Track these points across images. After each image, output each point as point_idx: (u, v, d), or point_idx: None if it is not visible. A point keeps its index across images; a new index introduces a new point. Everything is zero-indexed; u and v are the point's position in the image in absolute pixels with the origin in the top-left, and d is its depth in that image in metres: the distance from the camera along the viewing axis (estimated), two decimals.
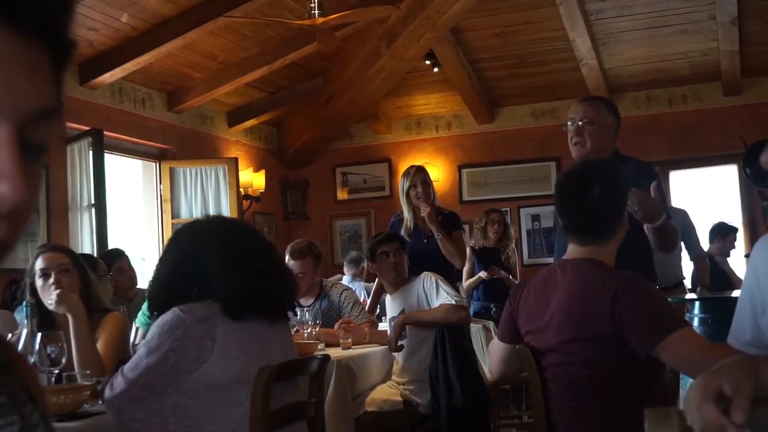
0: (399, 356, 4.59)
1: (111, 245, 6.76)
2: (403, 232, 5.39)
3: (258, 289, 2.72)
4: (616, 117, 3.72)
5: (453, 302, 4.44)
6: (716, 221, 8.06)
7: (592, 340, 2.57)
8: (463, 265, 5.84)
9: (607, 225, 2.69)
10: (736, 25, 8.06)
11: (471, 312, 7.11)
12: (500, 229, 7.49)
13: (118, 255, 5.87)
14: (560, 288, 2.68)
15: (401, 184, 5.60)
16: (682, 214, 6.45)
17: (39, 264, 3.46)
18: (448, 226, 5.46)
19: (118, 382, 2.55)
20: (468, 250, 7.00)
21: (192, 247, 2.76)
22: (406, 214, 5.50)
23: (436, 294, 4.53)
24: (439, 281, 4.58)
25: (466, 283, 7.11)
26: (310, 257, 5.03)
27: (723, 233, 7.78)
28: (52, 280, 3.36)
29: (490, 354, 3.01)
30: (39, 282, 3.41)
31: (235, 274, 2.70)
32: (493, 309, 7.15)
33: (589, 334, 2.57)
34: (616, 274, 2.61)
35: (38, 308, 3.36)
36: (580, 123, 3.57)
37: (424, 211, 5.26)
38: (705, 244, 7.61)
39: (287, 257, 5.05)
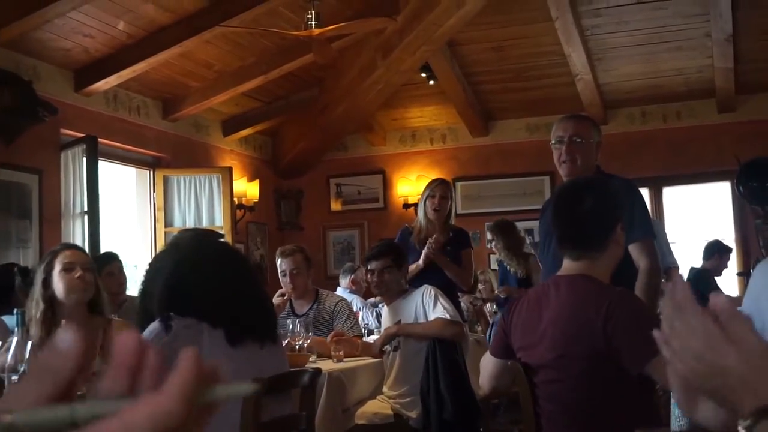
0: (390, 370, 4.58)
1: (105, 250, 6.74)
2: (412, 239, 5.43)
3: (250, 314, 2.73)
4: (599, 135, 3.76)
5: (448, 317, 4.44)
6: (712, 239, 8.07)
7: (584, 358, 2.56)
8: (469, 287, 5.82)
9: (598, 237, 2.68)
10: (731, 42, 8.09)
11: (492, 323, 7.18)
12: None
13: (110, 259, 5.73)
14: (553, 304, 2.68)
15: (423, 193, 5.66)
16: (655, 225, 6.45)
17: (64, 258, 3.56)
18: (457, 245, 5.48)
19: None
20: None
21: (179, 268, 2.75)
22: (421, 222, 5.52)
23: (433, 308, 4.52)
24: (438, 295, 4.56)
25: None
26: (300, 255, 5.06)
27: (720, 252, 7.79)
28: (78, 273, 3.49)
29: (482, 369, 3.01)
30: (60, 275, 3.51)
31: (221, 300, 2.70)
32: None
33: (582, 352, 2.56)
34: (608, 290, 2.60)
35: (50, 302, 3.52)
36: (569, 140, 3.58)
37: (429, 244, 5.25)
38: (697, 259, 7.64)
39: (278, 260, 5.10)
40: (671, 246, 6.68)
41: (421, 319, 4.57)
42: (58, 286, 3.54)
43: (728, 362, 0.97)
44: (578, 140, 3.58)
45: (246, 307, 2.75)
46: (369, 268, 4.76)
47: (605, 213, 2.69)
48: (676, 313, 1.00)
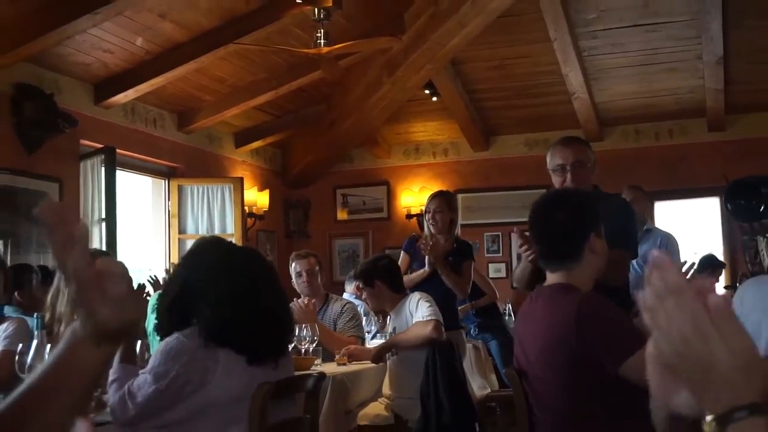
0: (391, 374, 4.60)
1: (119, 258, 6.74)
2: (421, 246, 5.45)
3: (263, 332, 2.71)
4: (593, 154, 3.73)
5: (423, 318, 4.46)
6: (707, 253, 8.05)
7: (565, 366, 2.56)
8: (465, 296, 5.83)
9: (570, 249, 2.67)
10: (721, 64, 8.11)
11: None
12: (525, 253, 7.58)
13: (102, 255, 5.54)
14: (537, 315, 2.70)
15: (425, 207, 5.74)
16: (668, 239, 6.39)
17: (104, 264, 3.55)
18: (459, 256, 5.50)
19: (129, 408, 2.55)
20: None
21: (206, 275, 2.74)
22: (427, 234, 5.55)
23: (416, 311, 4.55)
24: (421, 300, 4.60)
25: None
26: (314, 258, 5.20)
27: (713, 266, 7.76)
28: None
29: None
30: None
31: (247, 311, 2.69)
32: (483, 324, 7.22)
33: (562, 360, 2.57)
34: (578, 300, 2.57)
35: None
36: (573, 167, 3.56)
37: (428, 250, 5.28)
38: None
39: (293, 263, 5.19)
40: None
41: (410, 323, 4.59)
42: None
43: (716, 356, 0.96)
44: (580, 166, 3.57)
45: (263, 325, 2.73)
46: (365, 280, 4.88)
47: (576, 225, 2.68)
48: (669, 294, 0.99)
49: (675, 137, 9.50)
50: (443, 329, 4.47)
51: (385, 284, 4.82)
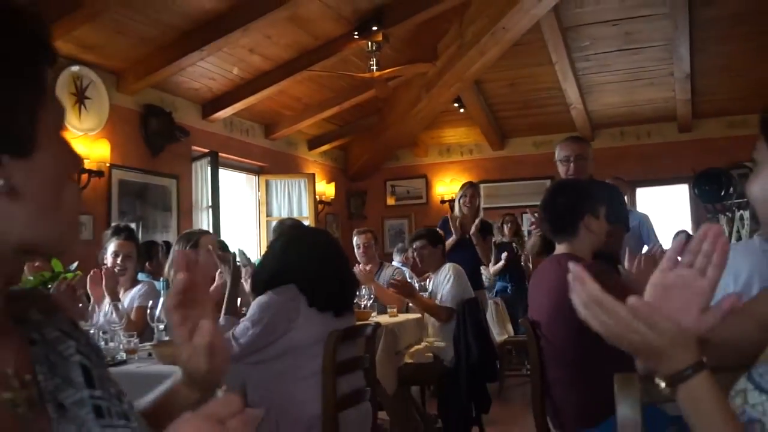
0: (432, 324, 4.59)
1: (222, 237, 6.83)
2: (450, 225, 5.44)
3: (334, 291, 2.73)
4: (591, 150, 3.68)
5: (441, 302, 4.45)
6: (680, 229, 7.91)
7: (568, 320, 2.53)
8: (488, 262, 5.80)
9: (569, 226, 2.64)
10: (688, 80, 8.00)
11: (496, 289, 7.12)
12: (513, 228, 7.52)
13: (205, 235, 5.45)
14: (547, 278, 2.68)
15: (458, 193, 5.70)
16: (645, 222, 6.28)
17: (206, 242, 3.62)
18: (482, 232, 5.52)
19: (233, 348, 2.57)
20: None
21: (292, 249, 2.76)
22: (457, 213, 5.54)
23: (443, 289, 4.51)
24: (452, 280, 4.50)
25: (492, 269, 7.04)
26: (370, 234, 5.25)
27: (686, 239, 7.59)
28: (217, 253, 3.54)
29: None
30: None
31: (322, 275, 2.71)
32: (509, 288, 7.15)
33: (566, 316, 2.54)
34: (583, 264, 2.55)
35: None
36: (575, 159, 3.52)
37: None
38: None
39: (354, 238, 5.23)
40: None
41: (438, 290, 4.56)
42: (207, 259, 3.49)
43: (649, 340, 0.98)
44: (581, 159, 3.53)
45: (334, 286, 2.74)
46: (414, 247, 4.80)
47: (572, 206, 2.65)
48: (593, 303, 1.02)
49: (652, 137, 9.33)
50: (453, 314, 4.40)
51: (440, 250, 4.82)
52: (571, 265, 1.02)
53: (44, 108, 0.74)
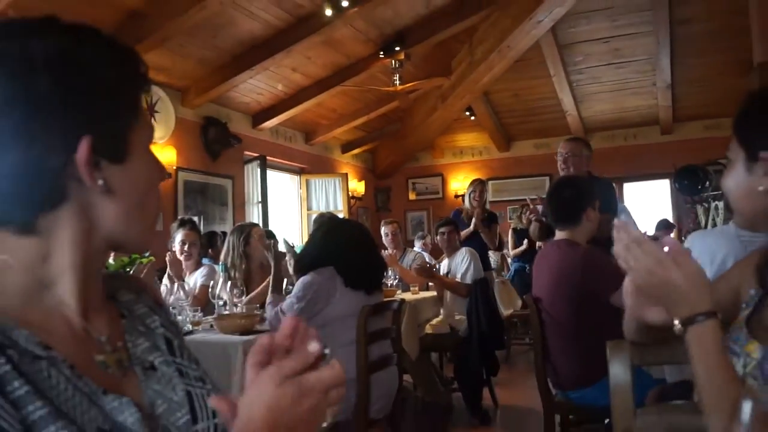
0: (448, 300, 4.58)
1: (270, 228, 6.88)
2: (462, 216, 5.40)
3: (365, 273, 2.75)
4: (589, 150, 3.61)
5: (460, 278, 4.42)
6: (662, 218, 7.81)
7: (568, 295, 2.53)
8: (494, 247, 5.74)
9: (572, 215, 2.62)
10: (669, 89, 7.88)
11: (513, 269, 7.07)
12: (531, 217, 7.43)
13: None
14: (550, 259, 2.67)
15: (468, 188, 5.59)
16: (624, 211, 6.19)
17: (257, 232, 3.68)
18: (489, 221, 5.46)
19: (281, 320, 2.59)
20: (510, 230, 7.08)
21: (330, 238, 2.77)
22: (467, 206, 5.51)
23: (462, 269, 4.49)
24: (472, 261, 4.48)
25: (512, 251, 7.00)
26: (396, 224, 5.19)
27: (667, 227, 7.50)
28: (264, 242, 3.59)
29: None
30: (256, 241, 3.64)
31: (355, 259, 2.72)
32: (527, 268, 7.12)
33: (566, 291, 2.54)
34: (581, 249, 2.55)
35: (245, 254, 3.62)
36: (566, 156, 3.52)
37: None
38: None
39: (382, 228, 5.18)
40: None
41: (455, 270, 4.54)
42: (256, 247, 3.60)
43: (674, 280, 0.95)
44: (570, 156, 3.50)
45: (365, 268, 2.75)
46: (440, 231, 4.74)
47: (576, 200, 2.64)
48: (633, 243, 0.98)
49: (637, 139, 9.19)
50: (468, 289, 4.38)
51: (458, 235, 4.81)
52: (616, 221, 1.01)
53: (138, 125, 0.77)
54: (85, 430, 0.66)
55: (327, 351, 0.69)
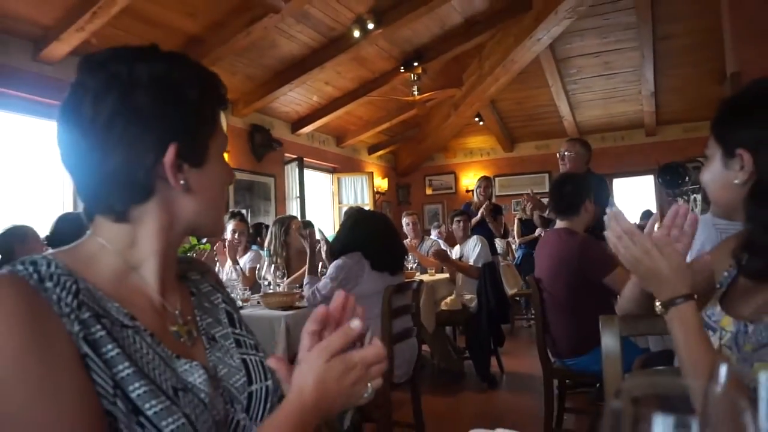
0: (461, 281, 4.56)
1: (307, 219, 6.89)
2: (471, 208, 5.35)
3: (389, 257, 2.74)
4: (587, 149, 3.52)
5: (473, 263, 4.38)
6: (646, 209, 7.68)
7: (566, 279, 2.51)
8: (499, 235, 5.68)
9: (571, 207, 2.59)
10: (653, 96, 7.73)
11: (520, 255, 7.00)
12: (533, 209, 7.34)
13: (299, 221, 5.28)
14: (551, 245, 2.64)
15: (476, 184, 5.54)
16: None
17: (296, 224, 3.68)
18: (494, 213, 5.42)
19: (317, 297, 2.61)
20: (516, 220, 6.98)
21: (358, 227, 2.78)
22: (475, 200, 5.46)
23: (473, 254, 4.46)
24: (482, 247, 4.44)
25: (519, 239, 6.92)
26: (415, 215, 5.15)
27: (648, 218, 7.34)
28: (302, 232, 3.57)
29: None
30: (295, 232, 3.60)
31: (380, 246, 2.72)
32: (533, 253, 7.00)
33: (564, 274, 2.52)
34: (579, 238, 2.52)
35: (285, 243, 3.58)
36: (565, 154, 3.47)
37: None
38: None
39: (404, 219, 5.14)
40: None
41: (467, 255, 4.50)
42: (295, 236, 3.62)
43: (659, 267, 0.95)
44: (568, 154, 3.45)
45: (388, 253, 2.75)
46: (456, 219, 4.70)
47: (576, 193, 2.60)
48: (624, 234, 0.97)
49: (625, 140, 9.02)
50: (479, 271, 4.34)
51: (469, 224, 4.78)
52: (608, 210, 1.00)
53: (215, 136, 0.79)
54: (162, 387, 0.68)
55: (369, 331, 0.71)
